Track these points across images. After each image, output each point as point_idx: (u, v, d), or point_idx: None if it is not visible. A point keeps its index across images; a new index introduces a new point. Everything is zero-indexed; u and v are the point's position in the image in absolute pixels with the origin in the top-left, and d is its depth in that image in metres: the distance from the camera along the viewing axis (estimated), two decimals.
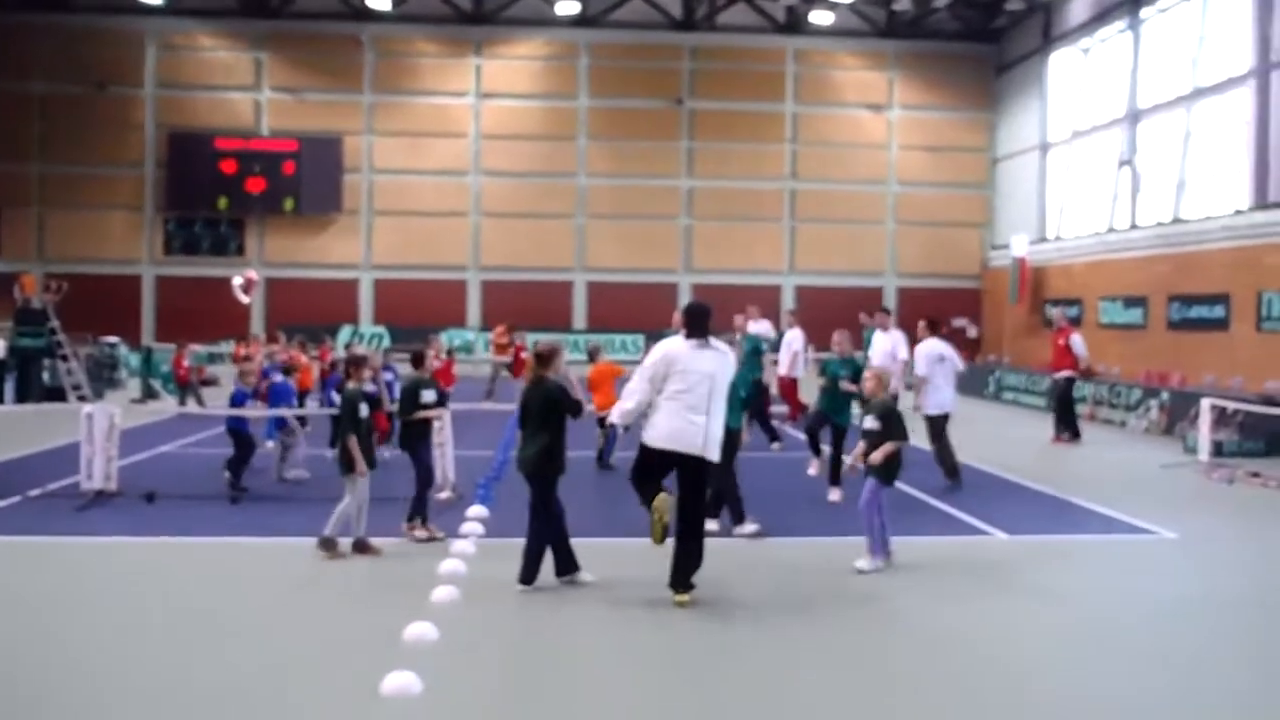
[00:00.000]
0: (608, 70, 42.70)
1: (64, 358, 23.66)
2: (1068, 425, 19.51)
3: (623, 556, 9.75)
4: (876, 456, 9.45)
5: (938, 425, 13.90)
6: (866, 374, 10.53)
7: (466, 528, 10.84)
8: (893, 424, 9.52)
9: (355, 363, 10.48)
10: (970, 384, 29.66)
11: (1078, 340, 20.07)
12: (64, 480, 12.94)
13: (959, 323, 42.66)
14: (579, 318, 42.36)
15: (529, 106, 42.83)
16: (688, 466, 8.23)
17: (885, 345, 16.85)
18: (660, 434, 8.22)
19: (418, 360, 11.07)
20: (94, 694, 6.37)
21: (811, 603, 8.59)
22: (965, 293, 43.06)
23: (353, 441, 9.72)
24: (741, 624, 8.00)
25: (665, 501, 8.12)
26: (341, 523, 9.73)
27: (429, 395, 10.67)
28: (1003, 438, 19.97)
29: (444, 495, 12.49)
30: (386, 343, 38.10)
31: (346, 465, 9.75)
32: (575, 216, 42.75)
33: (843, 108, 43.25)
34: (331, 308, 41.58)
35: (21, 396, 22.26)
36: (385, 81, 42.71)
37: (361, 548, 9.84)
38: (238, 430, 13.06)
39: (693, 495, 8.35)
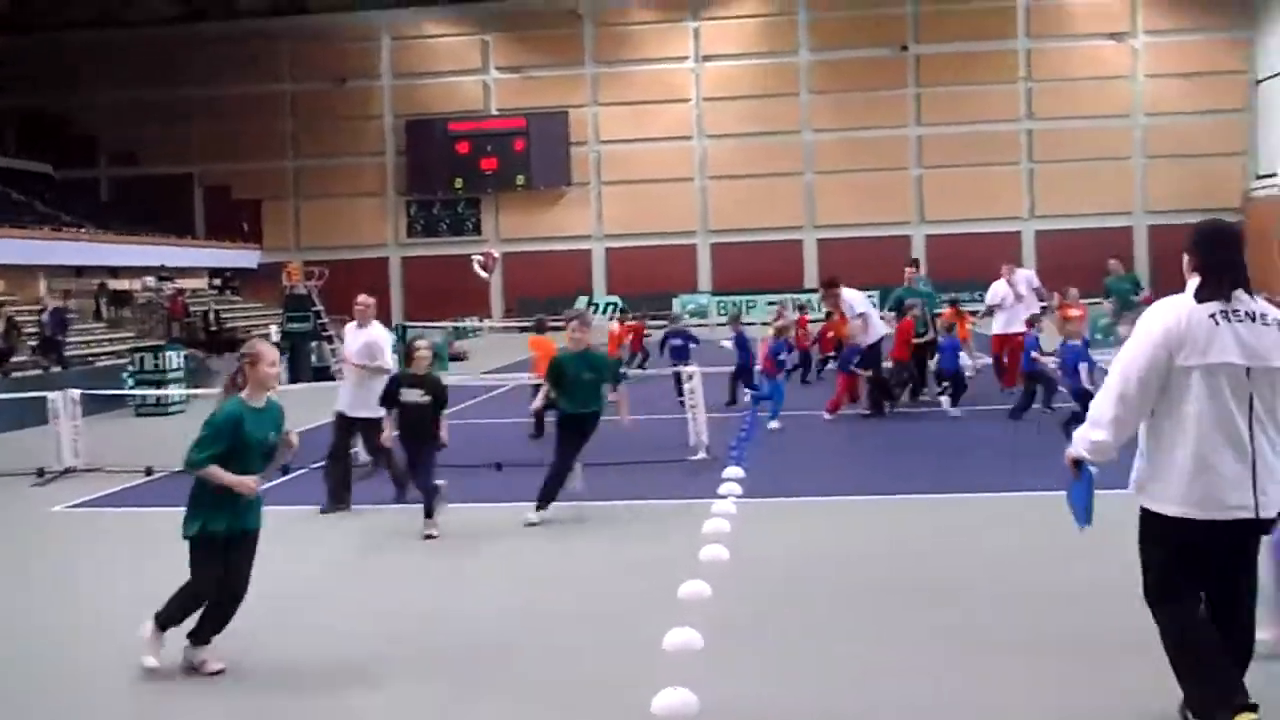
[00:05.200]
0: (828, 22, 41.90)
1: (329, 339, 25.18)
2: None
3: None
4: None
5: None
6: None
7: (725, 489, 10.88)
8: None
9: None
10: None
11: None
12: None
13: None
14: (811, 276, 41.87)
15: (749, 65, 42.55)
16: (1234, 542, 4.55)
17: None
18: (1176, 492, 4.51)
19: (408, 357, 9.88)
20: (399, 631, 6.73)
21: None
22: None
23: None
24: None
25: None
26: None
27: (411, 394, 9.49)
28: None
29: (698, 457, 12.62)
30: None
31: None
32: (803, 174, 42.27)
33: (1081, 39, 41.06)
34: (567, 279, 42.65)
35: (294, 377, 23.80)
36: (606, 53, 43.32)
37: None
38: None
39: (1242, 587, 4.66)
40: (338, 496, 10.62)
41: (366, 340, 10.92)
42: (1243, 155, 40.38)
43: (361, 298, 11.30)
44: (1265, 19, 39.29)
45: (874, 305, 18.22)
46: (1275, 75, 38.47)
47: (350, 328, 11.30)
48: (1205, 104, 40.19)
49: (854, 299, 16.52)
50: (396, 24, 44.55)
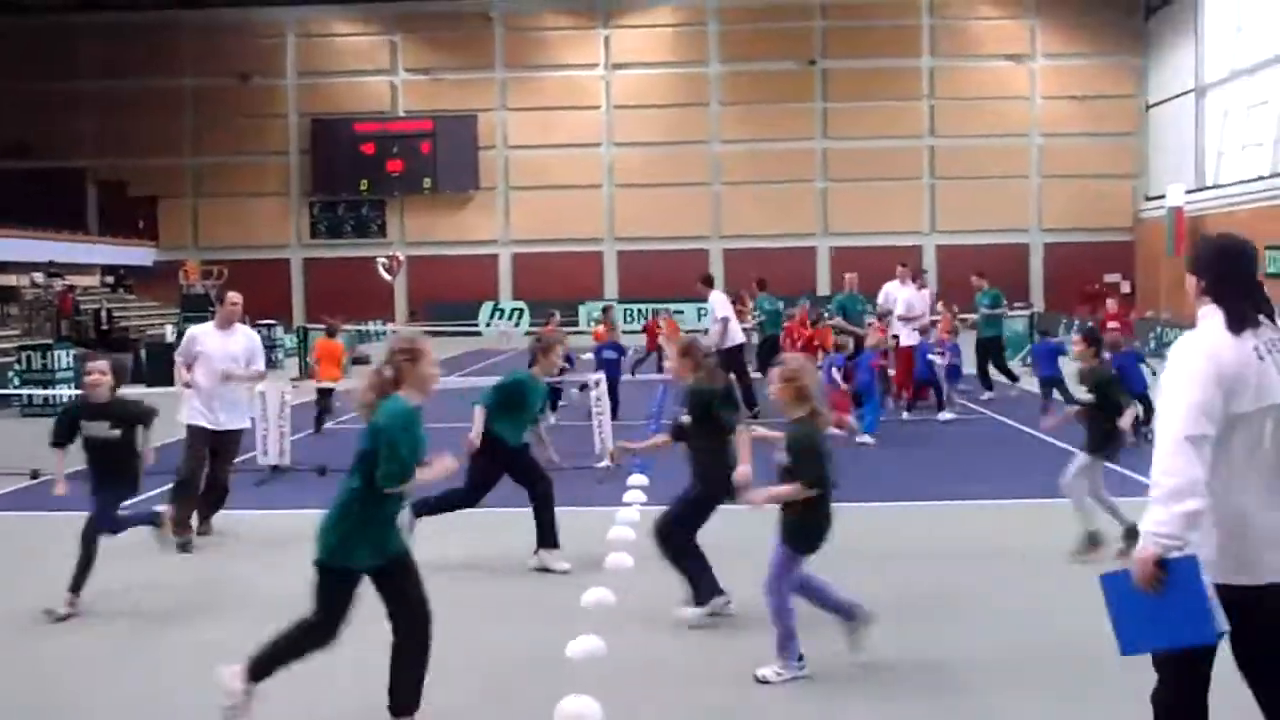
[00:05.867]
0: (738, 34, 42.28)
1: None
2: None
3: None
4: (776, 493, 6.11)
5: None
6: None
7: (629, 496, 10.89)
8: (800, 454, 6.05)
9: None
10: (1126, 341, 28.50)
11: None
12: (239, 457, 13.39)
13: (1111, 278, 41.12)
14: (717, 285, 42.06)
15: (660, 75, 42.74)
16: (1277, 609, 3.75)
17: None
18: (1215, 555, 3.70)
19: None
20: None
21: None
22: (1116, 246, 41.48)
23: None
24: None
25: None
26: None
27: (96, 428, 7.76)
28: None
29: (603, 464, 12.59)
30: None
31: None
32: (710, 184, 42.56)
33: (982, 60, 42.08)
34: (472, 284, 42.33)
35: None
36: (516, 57, 43.11)
37: None
38: None
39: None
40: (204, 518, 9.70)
41: (247, 345, 9.85)
42: (1134, 177, 41.73)
43: (233, 295, 10.11)
44: (1156, 46, 40.72)
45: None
46: (1165, 101, 39.88)
47: (208, 330, 9.74)
48: (1099, 126, 41.48)
49: (717, 303, 17.00)
50: (303, 21, 43.81)
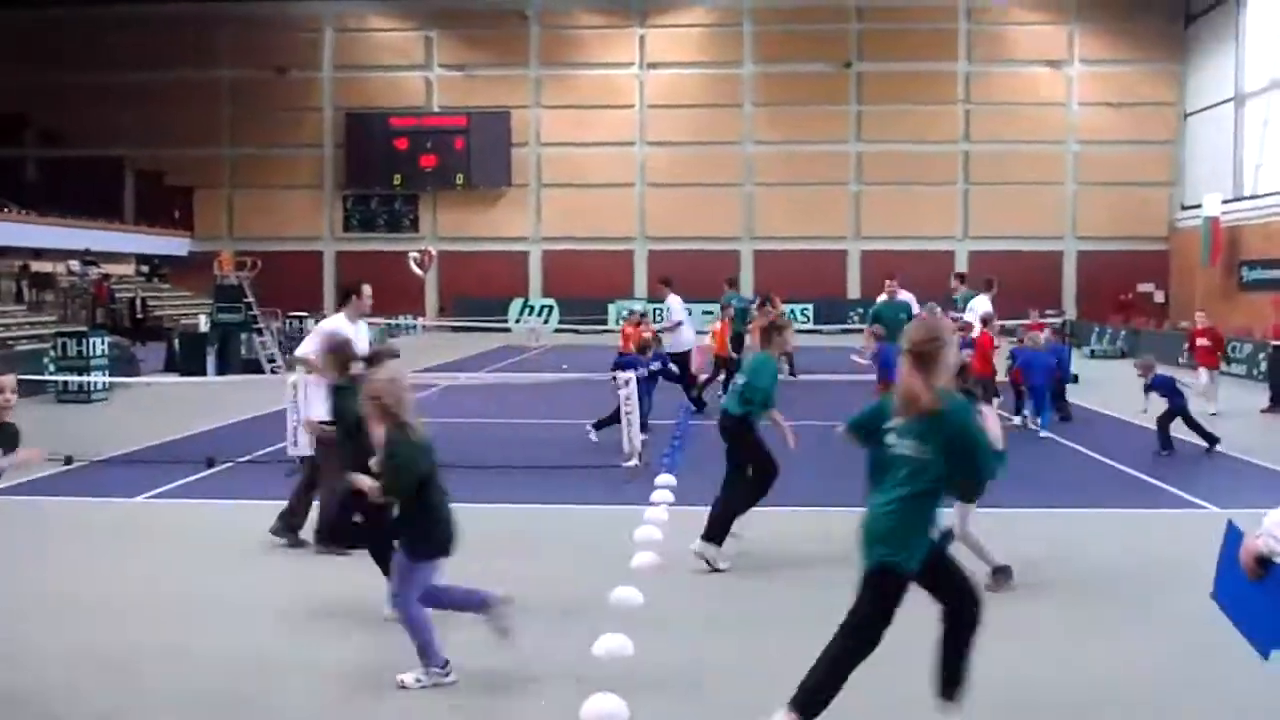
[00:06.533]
0: (773, 35, 42.15)
1: (259, 331, 24.77)
2: None
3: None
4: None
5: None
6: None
7: (657, 495, 10.89)
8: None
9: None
10: (1160, 351, 28.24)
11: None
12: (270, 447, 13.53)
13: (1144, 287, 40.75)
14: (746, 287, 42.02)
15: (694, 75, 42.67)
16: None
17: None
18: None
19: None
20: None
21: None
22: (1151, 255, 41.08)
23: None
24: None
25: None
26: None
27: None
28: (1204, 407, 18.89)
29: (631, 464, 12.62)
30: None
31: None
32: (742, 185, 42.47)
33: (1019, 65, 41.72)
34: (503, 280, 42.44)
35: (222, 369, 23.43)
36: (551, 55, 43.16)
37: None
38: None
39: None
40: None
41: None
42: (1171, 185, 41.29)
43: (368, 288, 9.84)
44: (1195, 53, 40.29)
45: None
46: (1204, 109, 39.45)
47: (345, 324, 9.40)
48: (1137, 134, 41.03)
49: (675, 306, 17.49)
50: (340, 15, 44.02)
